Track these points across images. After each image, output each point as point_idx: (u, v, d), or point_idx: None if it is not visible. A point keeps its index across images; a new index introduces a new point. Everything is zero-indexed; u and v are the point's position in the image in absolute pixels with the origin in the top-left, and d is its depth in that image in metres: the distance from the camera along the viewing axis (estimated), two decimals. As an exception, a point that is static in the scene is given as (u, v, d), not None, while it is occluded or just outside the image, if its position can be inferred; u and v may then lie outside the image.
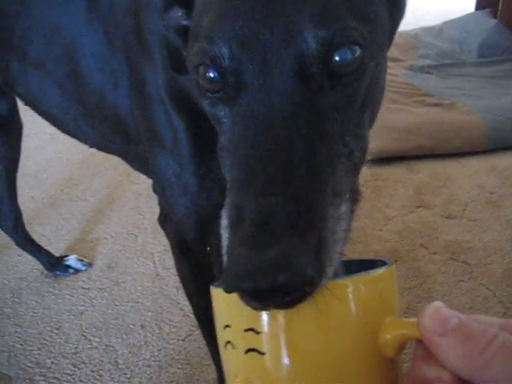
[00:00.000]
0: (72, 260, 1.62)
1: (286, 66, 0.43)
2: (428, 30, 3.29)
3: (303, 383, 0.35)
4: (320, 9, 0.44)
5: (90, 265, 1.64)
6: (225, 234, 0.40)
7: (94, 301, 1.51)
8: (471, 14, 3.30)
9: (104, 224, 1.86)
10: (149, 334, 1.38)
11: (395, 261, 1.55)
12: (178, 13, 0.60)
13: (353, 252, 1.63)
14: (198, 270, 0.93)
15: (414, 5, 3.91)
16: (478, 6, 3.31)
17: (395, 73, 2.72)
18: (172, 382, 1.24)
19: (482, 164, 2.06)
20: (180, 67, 0.65)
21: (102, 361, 1.31)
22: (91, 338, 1.38)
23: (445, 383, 0.33)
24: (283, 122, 0.41)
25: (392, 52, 2.97)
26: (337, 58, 0.44)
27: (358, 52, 0.45)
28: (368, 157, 1.83)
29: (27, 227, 1.60)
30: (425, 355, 0.34)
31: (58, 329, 1.42)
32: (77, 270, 1.62)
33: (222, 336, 0.39)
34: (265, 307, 0.34)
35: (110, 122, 0.91)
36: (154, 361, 1.30)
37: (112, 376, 1.27)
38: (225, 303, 0.36)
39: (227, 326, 0.38)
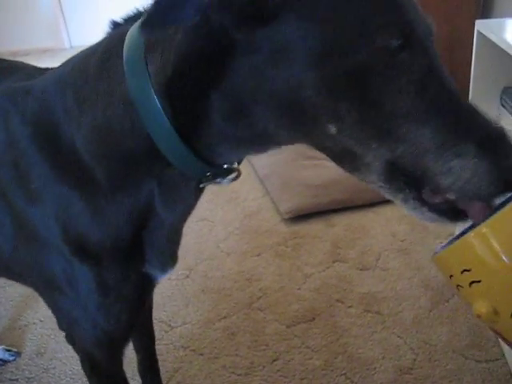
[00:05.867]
0: (0, 351, 1.63)
1: None
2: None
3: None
4: None
5: (18, 354, 1.65)
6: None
7: (22, 392, 1.52)
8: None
9: (32, 309, 1.87)
10: (78, 420, 1.40)
11: (313, 318, 1.64)
12: None
13: (273, 313, 1.68)
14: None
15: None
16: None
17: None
18: None
19: (394, 212, 2.20)
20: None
21: None
22: (20, 431, 1.39)
23: None
24: None
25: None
26: None
27: None
28: (285, 216, 1.91)
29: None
30: None
31: (-14, 426, 1.42)
32: (5, 361, 1.62)
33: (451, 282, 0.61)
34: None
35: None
36: None
37: None
38: (446, 263, 0.60)
39: (451, 276, 0.59)
